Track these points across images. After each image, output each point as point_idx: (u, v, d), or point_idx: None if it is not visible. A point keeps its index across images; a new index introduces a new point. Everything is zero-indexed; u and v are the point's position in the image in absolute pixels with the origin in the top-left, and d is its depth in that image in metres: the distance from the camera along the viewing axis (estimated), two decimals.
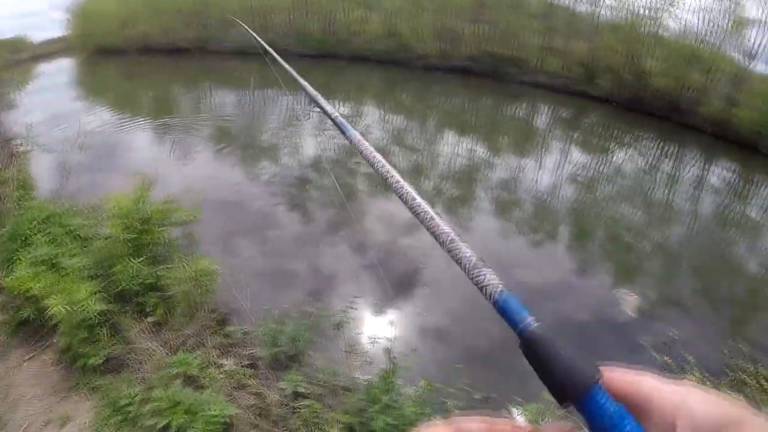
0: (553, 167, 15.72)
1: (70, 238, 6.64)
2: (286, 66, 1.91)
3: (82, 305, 4.98)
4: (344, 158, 14.03)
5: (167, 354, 5.14)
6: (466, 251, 0.63)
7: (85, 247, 6.36)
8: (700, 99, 20.49)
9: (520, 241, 10.64)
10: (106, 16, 30.17)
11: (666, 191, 15.34)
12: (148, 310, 5.68)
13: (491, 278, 0.59)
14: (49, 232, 6.60)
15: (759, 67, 19.98)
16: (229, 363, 5.17)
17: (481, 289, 0.59)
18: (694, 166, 18.21)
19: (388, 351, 4.04)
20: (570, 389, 0.49)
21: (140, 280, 5.68)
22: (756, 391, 6.65)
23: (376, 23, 27.90)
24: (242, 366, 5.14)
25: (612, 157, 18.10)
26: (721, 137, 19.77)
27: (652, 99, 21.74)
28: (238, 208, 10.35)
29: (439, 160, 15.09)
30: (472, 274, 0.61)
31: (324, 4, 28.64)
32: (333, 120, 1.21)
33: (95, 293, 5.22)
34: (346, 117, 1.17)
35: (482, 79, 25.19)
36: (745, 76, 20.08)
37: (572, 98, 23.37)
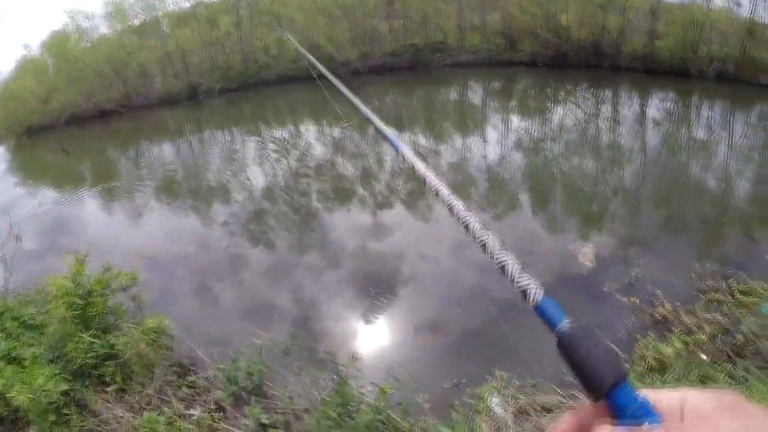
0: (498, 139, 15.84)
1: (25, 328, 6.63)
2: (336, 81, 1.80)
3: (44, 390, 4.96)
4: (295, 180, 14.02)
5: (134, 417, 5.10)
6: (510, 259, 0.69)
7: (41, 333, 6.36)
8: (621, 39, 20.89)
9: (480, 217, 10.65)
10: (26, 96, 29.65)
11: (611, 134, 15.56)
12: (107, 380, 5.66)
13: (533, 283, 0.65)
14: (4, 328, 6.59)
15: None
16: (196, 412, 5.18)
17: (522, 292, 0.65)
18: (631, 104, 18.56)
19: (333, 363, 3.98)
20: (602, 385, 0.55)
21: (94, 353, 5.66)
22: (733, 306, 6.71)
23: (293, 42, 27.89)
24: (209, 412, 5.09)
25: (552, 116, 18.30)
26: (651, 71, 20.24)
27: (576, 51, 22.17)
28: (199, 256, 10.21)
29: (386, 160, 15.07)
30: (516, 279, 0.67)
31: (237, 36, 28.57)
32: (385, 137, 1.28)
33: (54, 376, 5.20)
34: (394, 133, 1.23)
35: (408, 72, 25.35)
36: (661, 7, 20.55)
37: (500, 69, 23.67)
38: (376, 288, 8.03)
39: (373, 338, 7.17)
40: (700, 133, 15.05)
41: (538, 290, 0.64)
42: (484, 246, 0.75)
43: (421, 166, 0.99)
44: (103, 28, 30.56)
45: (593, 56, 21.68)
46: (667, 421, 0.53)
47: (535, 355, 6.31)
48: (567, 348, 0.58)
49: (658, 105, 18.25)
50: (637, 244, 8.99)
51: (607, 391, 0.55)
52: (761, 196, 10.69)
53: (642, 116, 16.86)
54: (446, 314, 7.36)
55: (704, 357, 5.73)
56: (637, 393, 0.55)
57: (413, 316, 7.42)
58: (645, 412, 0.54)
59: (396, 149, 1.17)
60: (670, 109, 17.87)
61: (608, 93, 20.27)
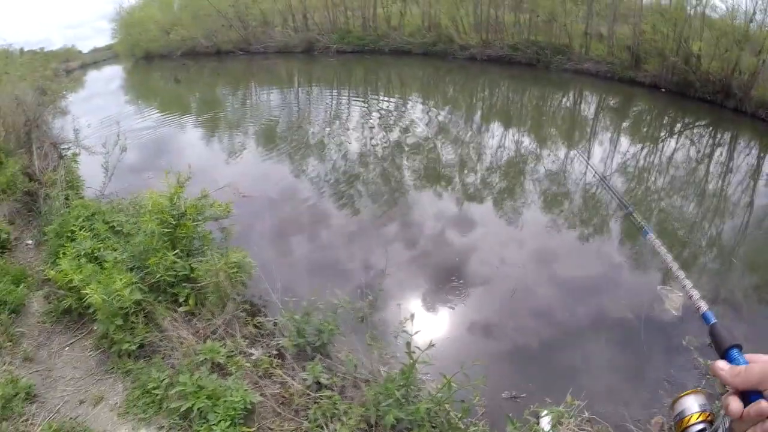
0: (602, 158, 15.31)
1: (113, 233, 6.97)
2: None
3: (118, 295, 5.15)
4: (391, 152, 14.07)
5: (197, 342, 5.26)
6: (695, 293, 1.22)
7: (126, 242, 6.62)
8: (752, 82, 19.61)
9: (568, 235, 10.35)
10: (149, 24, 30.96)
11: (720, 182, 14.74)
12: (181, 300, 5.83)
13: (703, 304, 1.17)
14: (92, 228, 6.93)
15: None
16: (257, 352, 5.28)
17: (697, 309, 1.18)
18: (749, 155, 17.48)
19: (407, 345, 3.94)
20: (721, 347, 1.04)
21: (174, 272, 5.85)
22: None
23: (416, 16, 27.81)
24: (269, 356, 5.21)
25: (663, 146, 17.52)
26: None
27: (702, 83, 20.97)
28: (286, 206, 10.44)
29: (486, 152, 14.87)
30: (696, 302, 1.19)
31: (361, 1, 28.63)
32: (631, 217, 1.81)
33: (131, 284, 5.39)
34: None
35: (526, 68, 24.81)
36: None
37: (619, 85, 22.80)
38: (454, 279, 7.95)
39: (443, 327, 7.12)
40: None
41: (705, 306, 1.16)
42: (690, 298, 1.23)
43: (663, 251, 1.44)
44: None
45: (720, 93, 20.53)
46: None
47: (596, 391, 6.13)
48: (711, 332, 1.09)
49: None
50: (727, 304, 8.51)
51: (725, 351, 1.03)
52: None
53: (757, 170, 15.90)
54: (518, 324, 7.23)
55: None
56: (742, 357, 1.01)
57: (482, 317, 7.32)
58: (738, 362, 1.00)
59: (644, 236, 1.63)
60: None
61: (726, 136, 19.17)
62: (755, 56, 19.50)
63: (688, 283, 1.24)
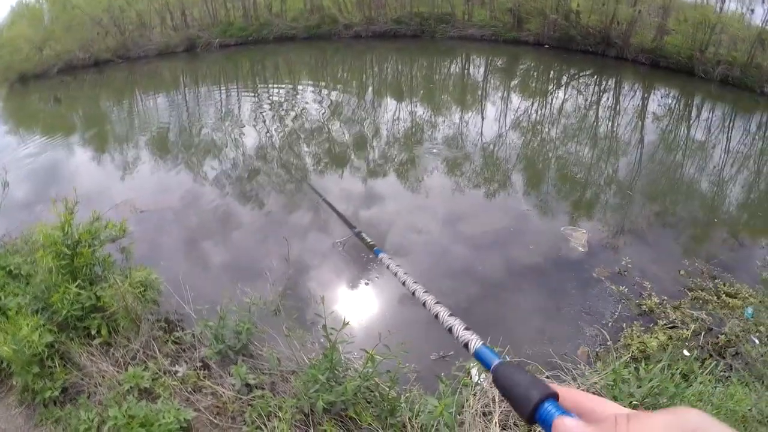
0: (496, 117, 15.75)
1: (11, 278, 6.48)
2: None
3: (28, 341, 4.85)
4: (288, 140, 13.93)
5: (118, 372, 5.09)
6: (455, 321, 0.93)
7: (27, 283, 6.20)
8: (630, 31, 20.74)
9: (472, 194, 10.63)
10: (20, 43, 29.00)
11: (610, 124, 15.50)
12: (93, 332, 5.56)
13: (472, 336, 0.85)
14: None
15: None
16: (182, 369, 5.16)
17: (464, 345, 0.85)
18: (633, 97, 18.49)
19: (324, 328, 3.93)
20: (524, 411, 0.64)
21: (80, 305, 5.53)
22: (717, 307, 6.84)
23: (297, 0, 27.54)
24: (194, 369, 5.07)
25: (552, 99, 18.20)
26: (657, 66, 20.18)
27: (584, 37, 21.97)
28: (190, 212, 10.12)
29: (383, 127, 14.96)
30: (459, 335, 0.89)
31: None
32: (359, 237, 1.80)
33: (39, 326, 5.09)
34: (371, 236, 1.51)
35: (412, 40, 25.11)
36: (673, 4, 20.45)
37: (505, 46, 23.48)
38: (364, 255, 7.98)
39: (361, 304, 7.16)
40: (698, 134, 15.07)
41: (477, 341, 0.84)
42: (436, 316, 1.00)
43: (394, 267, 1.30)
44: None
45: (601, 44, 21.55)
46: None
47: (523, 335, 6.36)
48: (498, 381, 0.71)
49: (659, 100, 18.27)
50: (628, 234, 9.02)
51: (532, 409, 0.63)
52: (752, 204, 10.81)
53: (642, 110, 16.84)
54: (435, 287, 7.34)
55: (686, 353, 5.83)
56: (559, 408, 0.63)
57: (401, 288, 7.38)
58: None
59: (376, 255, 1.49)
60: (671, 105, 17.86)
61: (611, 82, 20.19)
62: (631, 7, 20.61)
63: (443, 310, 1.00)
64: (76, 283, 5.63)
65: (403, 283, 1.20)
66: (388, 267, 1.32)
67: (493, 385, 0.76)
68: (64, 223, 5.83)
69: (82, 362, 5.21)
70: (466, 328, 0.89)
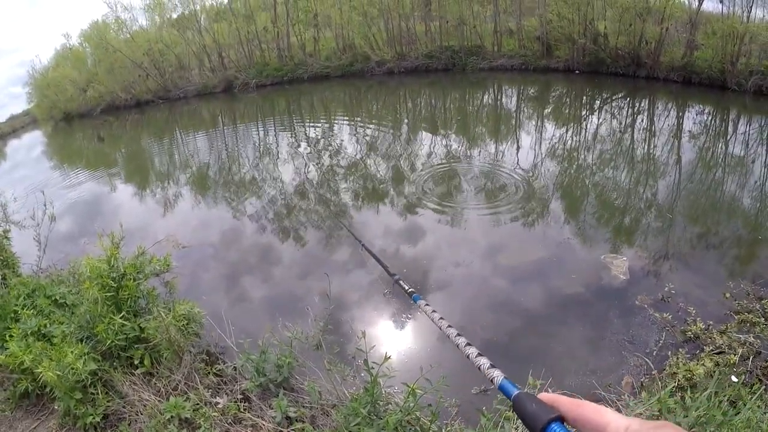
0: (531, 145, 15.73)
1: (57, 306, 6.69)
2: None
3: (72, 368, 4.98)
4: (326, 177, 14.09)
5: (160, 401, 5.13)
6: (483, 360, 1.10)
7: (72, 313, 6.37)
8: (659, 49, 20.60)
9: (510, 225, 10.56)
10: (65, 84, 30.29)
11: (646, 146, 15.34)
12: (136, 362, 5.68)
13: (495, 372, 1.01)
14: (35, 306, 6.62)
15: (707, 5, 20.22)
16: (222, 400, 5.19)
17: (490, 380, 1.01)
18: (668, 116, 18.27)
19: (365, 362, 3.98)
20: (533, 426, 0.77)
21: (124, 335, 5.66)
22: (766, 329, 6.60)
23: (330, 40, 28.13)
24: (235, 401, 5.11)
25: (587, 124, 18.11)
26: (689, 83, 19.95)
27: (614, 59, 21.90)
28: (230, 248, 10.31)
29: (418, 160, 15.05)
30: (486, 372, 1.05)
31: (273, 32, 28.78)
32: (398, 284, 1.93)
33: (84, 354, 5.21)
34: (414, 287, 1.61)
35: (443, 73, 25.33)
36: (699, 18, 20.26)
37: (535, 75, 23.51)
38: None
39: (402, 340, 7.16)
40: (736, 149, 14.76)
41: (500, 376, 0.98)
42: (468, 356, 1.17)
43: (434, 315, 1.52)
44: (142, 20, 31.20)
45: (631, 65, 21.45)
46: None
47: (565, 366, 6.28)
48: (516, 407, 0.84)
49: (694, 118, 17.92)
50: (670, 258, 8.84)
51: (541, 430, 0.75)
52: None
53: (678, 128, 16.62)
54: (477, 321, 7.33)
55: (735, 378, 5.66)
56: (564, 428, 0.74)
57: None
58: None
59: (415, 301, 1.69)
60: (706, 122, 17.59)
61: (645, 103, 20.00)
62: (658, 25, 20.49)
63: (473, 351, 1.17)
64: (121, 315, 5.78)
65: (440, 328, 1.43)
66: (426, 313, 1.54)
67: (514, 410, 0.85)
68: (110, 256, 6.05)
69: (125, 390, 5.32)
70: (491, 366, 1.04)
